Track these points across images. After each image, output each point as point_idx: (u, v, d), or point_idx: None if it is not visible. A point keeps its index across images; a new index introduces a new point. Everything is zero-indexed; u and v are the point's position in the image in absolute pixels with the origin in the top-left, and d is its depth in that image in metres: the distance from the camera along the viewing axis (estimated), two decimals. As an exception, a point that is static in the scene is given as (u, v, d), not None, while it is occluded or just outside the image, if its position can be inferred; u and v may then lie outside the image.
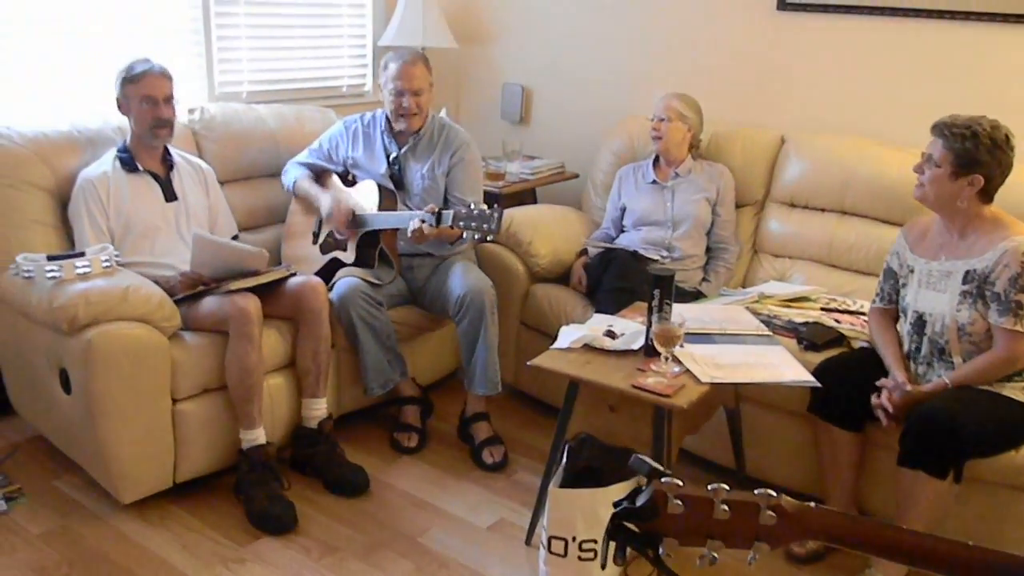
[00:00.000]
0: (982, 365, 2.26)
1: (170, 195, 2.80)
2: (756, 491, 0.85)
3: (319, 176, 3.18)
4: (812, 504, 0.86)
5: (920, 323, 2.38)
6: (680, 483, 0.84)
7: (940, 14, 3.06)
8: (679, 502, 0.82)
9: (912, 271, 2.42)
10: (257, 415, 2.58)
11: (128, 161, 2.74)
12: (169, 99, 2.73)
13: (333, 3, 3.94)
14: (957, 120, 2.26)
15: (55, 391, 2.53)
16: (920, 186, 2.33)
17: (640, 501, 0.81)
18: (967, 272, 2.28)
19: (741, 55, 3.53)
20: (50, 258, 2.47)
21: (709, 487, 0.85)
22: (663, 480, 0.83)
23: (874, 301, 2.57)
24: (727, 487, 0.85)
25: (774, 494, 0.85)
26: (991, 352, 2.26)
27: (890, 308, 2.52)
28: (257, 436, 2.59)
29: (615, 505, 0.83)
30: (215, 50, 3.48)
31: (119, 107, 2.73)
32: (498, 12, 4.18)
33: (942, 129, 2.27)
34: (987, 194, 2.28)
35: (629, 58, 3.82)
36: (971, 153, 2.22)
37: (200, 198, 2.89)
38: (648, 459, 0.87)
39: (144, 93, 2.67)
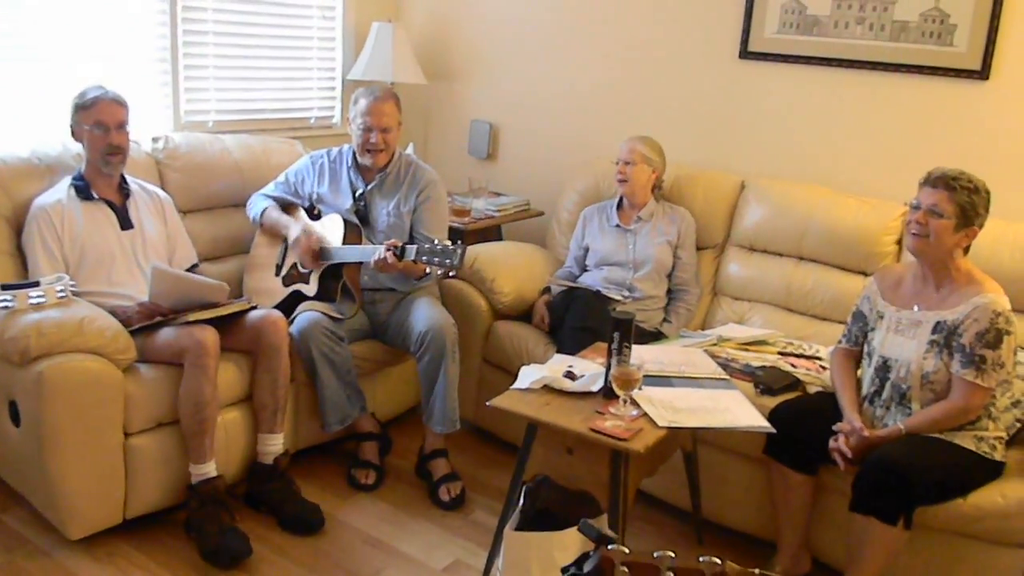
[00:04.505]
0: (937, 414, 2.30)
1: (126, 223, 2.77)
2: (701, 558, 0.86)
3: (285, 209, 3.18)
4: (756, 571, 0.88)
5: (885, 368, 2.42)
6: (627, 550, 0.85)
7: (896, 67, 3.16)
8: (625, 569, 0.83)
9: (882, 317, 2.47)
10: (209, 449, 2.55)
11: (83, 189, 2.71)
12: (122, 126, 2.71)
13: (303, 36, 3.95)
14: (956, 172, 2.30)
15: (4, 423, 2.48)
16: (924, 237, 2.31)
17: (587, 568, 0.82)
18: (937, 323, 2.33)
19: (704, 101, 3.60)
20: (3, 287, 2.43)
21: (655, 554, 0.86)
22: (610, 547, 0.84)
23: (840, 341, 2.61)
24: (673, 554, 0.86)
25: (719, 561, 0.86)
26: (947, 401, 2.30)
27: (854, 349, 2.57)
28: (208, 470, 2.55)
29: (563, 571, 0.83)
30: (182, 79, 3.47)
31: (73, 134, 2.71)
32: (467, 50, 4.22)
33: (947, 181, 2.29)
34: (969, 247, 2.35)
35: (596, 100, 3.88)
36: (975, 206, 2.28)
37: (157, 227, 2.87)
38: (597, 525, 0.88)
39: (96, 119, 2.65)
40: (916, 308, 2.39)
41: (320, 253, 2.94)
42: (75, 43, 3.13)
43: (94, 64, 3.17)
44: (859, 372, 2.56)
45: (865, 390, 2.48)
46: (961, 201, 2.28)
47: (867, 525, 2.21)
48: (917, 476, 2.18)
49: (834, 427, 2.38)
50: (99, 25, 3.19)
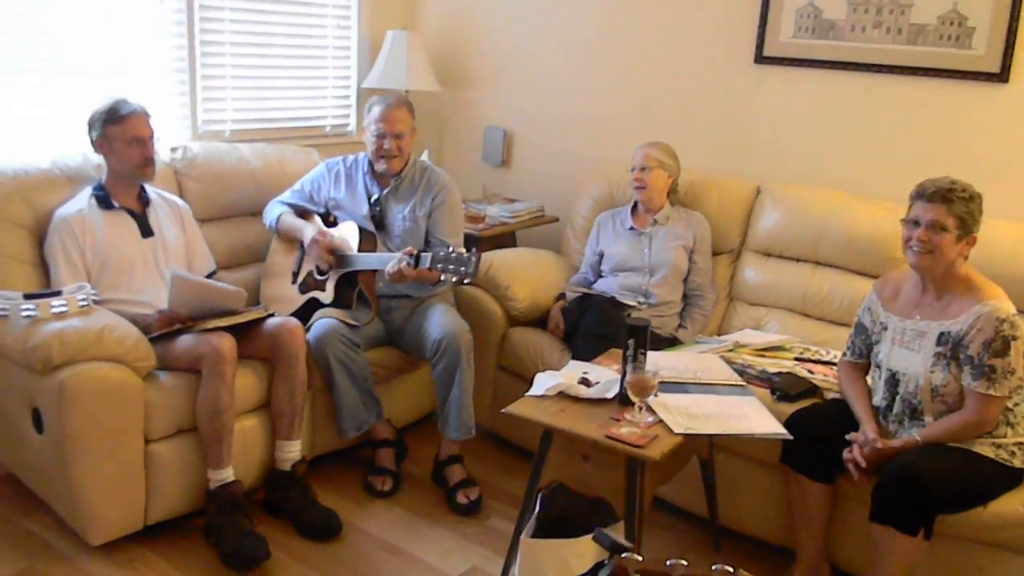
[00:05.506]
0: (952, 426, 2.28)
1: (146, 231, 2.80)
2: (714, 566, 0.87)
3: (300, 216, 3.20)
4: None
5: (893, 380, 2.40)
6: (640, 558, 0.85)
7: (914, 71, 3.13)
8: (639, 577, 0.83)
9: (886, 328, 2.44)
10: (226, 455, 2.57)
11: (104, 199, 2.74)
12: (152, 136, 2.76)
13: (318, 44, 3.98)
14: (949, 183, 2.28)
15: (27, 430, 2.51)
16: (929, 253, 2.28)
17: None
18: (941, 334, 2.30)
19: (719, 106, 3.59)
20: (27, 296, 2.46)
21: (668, 562, 0.86)
22: (624, 555, 0.84)
23: (844, 354, 2.60)
24: (685, 562, 0.87)
25: (731, 569, 0.86)
26: (961, 413, 2.28)
27: (860, 362, 2.55)
28: (225, 475, 2.57)
29: (576, 579, 0.84)
30: (199, 89, 3.50)
31: (96, 147, 2.73)
32: (482, 57, 4.24)
33: (944, 194, 2.26)
34: (968, 255, 2.32)
35: (610, 106, 3.88)
36: (972, 214, 2.26)
37: (177, 234, 2.90)
38: (611, 533, 0.88)
39: (133, 134, 2.69)
40: (918, 318, 2.37)
41: (338, 258, 2.97)
42: (94, 54, 3.17)
43: (113, 75, 3.21)
44: (869, 381, 2.53)
45: (876, 403, 2.46)
46: (960, 212, 2.25)
47: (887, 535, 2.19)
48: (936, 485, 2.16)
49: (848, 437, 2.36)
50: (117, 36, 3.22)
